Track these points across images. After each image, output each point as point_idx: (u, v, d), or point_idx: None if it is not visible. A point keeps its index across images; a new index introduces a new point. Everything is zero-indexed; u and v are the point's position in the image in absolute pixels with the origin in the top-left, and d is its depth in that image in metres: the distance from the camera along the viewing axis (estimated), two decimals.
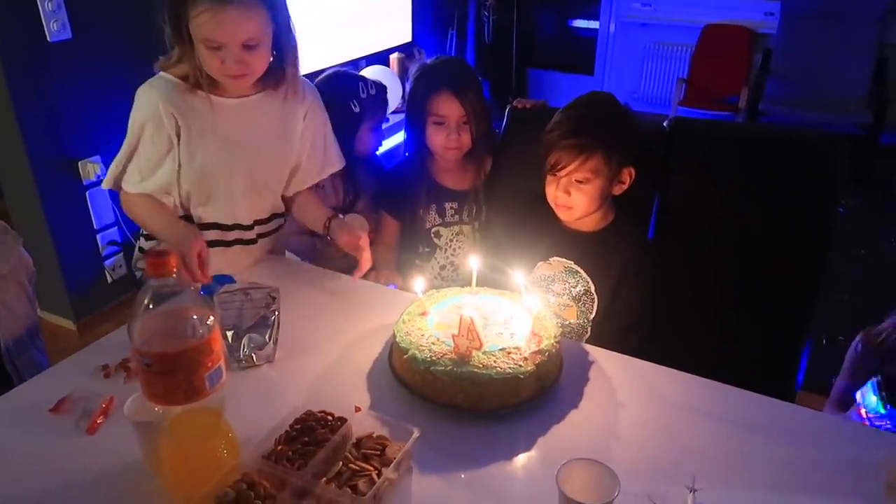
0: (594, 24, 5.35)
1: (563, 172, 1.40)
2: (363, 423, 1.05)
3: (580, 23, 5.50)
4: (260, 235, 1.60)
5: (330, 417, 1.06)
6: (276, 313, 1.24)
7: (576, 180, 1.40)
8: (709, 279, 1.55)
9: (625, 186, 1.45)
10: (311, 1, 3.57)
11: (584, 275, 1.46)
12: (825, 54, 4.35)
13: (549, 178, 1.45)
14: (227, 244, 1.56)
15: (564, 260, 1.48)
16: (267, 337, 1.24)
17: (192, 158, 1.43)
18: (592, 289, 1.45)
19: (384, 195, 1.78)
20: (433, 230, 1.75)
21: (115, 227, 2.88)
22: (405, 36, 4.27)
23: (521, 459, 1.05)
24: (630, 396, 1.17)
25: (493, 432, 1.08)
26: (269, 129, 1.49)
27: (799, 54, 4.40)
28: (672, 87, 4.84)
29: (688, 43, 4.82)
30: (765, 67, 4.50)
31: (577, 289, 1.46)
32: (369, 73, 3.50)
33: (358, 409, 1.07)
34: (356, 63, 3.95)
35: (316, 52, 3.66)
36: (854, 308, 2.86)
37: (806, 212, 1.47)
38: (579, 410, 1.14)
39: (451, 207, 1.74)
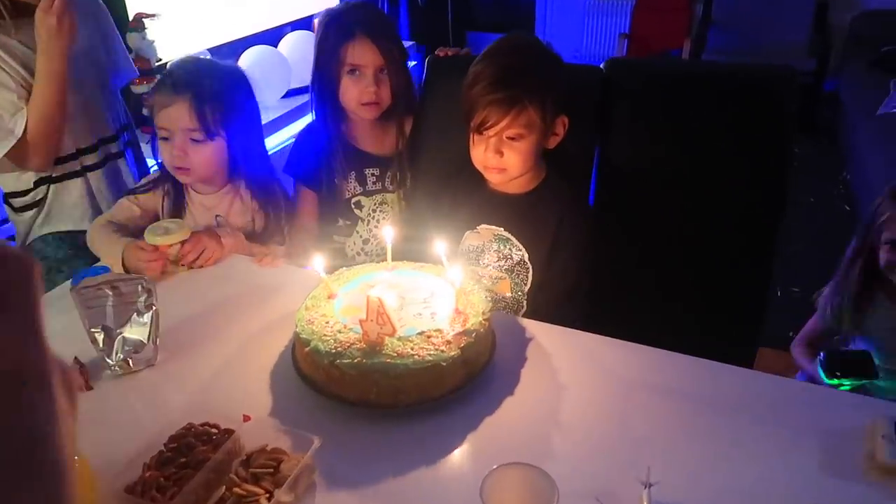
0: None
1: (492, 131, 1.22)
2: (255, 435, 0.87)
3: None
4: None
5: (214, 430, 0.88)
6: (154, 308, 1.04)
7: (507, 137, 1.23)
8: (657, 236, 1.40)
9: (559, 138, 1.28)
10: None
11: (517, 242, 1.29)
12: (765, 2, 4.27)
13: (475, 138, 1.27)
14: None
15: (494, 227, 1.31)
16: (145, 337, 1.04)
17: None
18: (526, 257, 1.29)
19: (295, 163, 1.57)
20: (353, 200, 1.56)
21: None
22: (332, 1, 4.02)
23: (448, 461, 0.88)
24: (573, 376, 1.02)
25: (414, 431, 0.92)
26: None
27: (739, 3, 4.31)
28: (614, 42, 4.72)
29: None
30: (706, 18, 4.39)
31: (510, 259, 1.30)
32: (252, 54, 3.21)
33: (247, 418, 0.89)
34: (280, 30, 3.69)
35: (230, 21, 3.39)
36: (806, 258, 2.79)
37: (761, 154, 1.32)
38: (515, 397, 0.98)
39: (373, 174, 1.55)
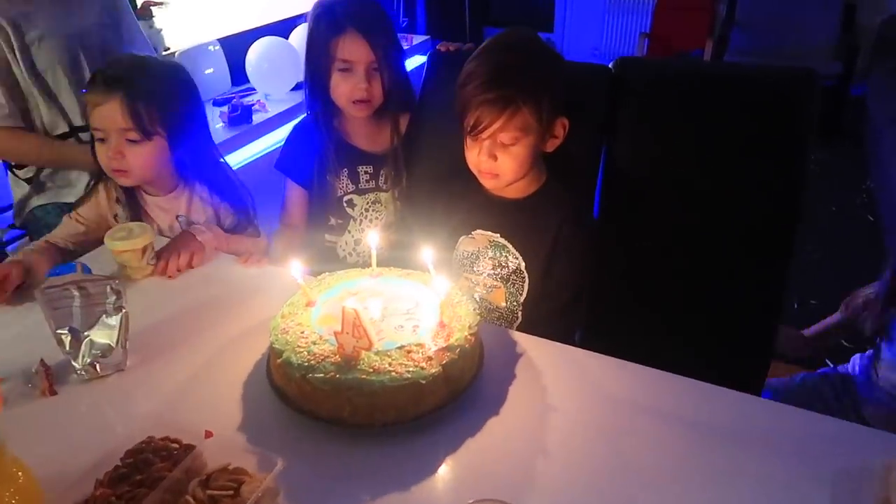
0: None
1: (485, 133, 1.15)
2: (219, 452, 0.82)
3: None
4: None
5: (175, 446, 0.83)
6: (123, 310, 0.99)
7: (501, 141, 1.15)
8: (663, 246, 1.32)
9: (558, 141, 1.20)
10: None
11: (513, 250, 1.22)
12: (791, 2, 4.14)
13: (469, 140, 1.20)
14: None
15: (489, 233, 1.24)
16: (114, 341, 0.98)
17: None
18: (523, 266, 1.22)
19: (286, 159, 1.52)
20: (346, 199, 1.50)
21: None
22: None
23: (425, 488, 0.82)
24: (565, 396, 0.95)
25: (390, 453, 0.86)
26: None
27: (764, 3, 4.19)
28: (635, 41, 4.62)
29: None
30: (729, 18, 4.27)
31: (506, 267, 1.23)
32: (262, 45, 3.15)
33: (209, 434, 0.83)
34: (291, 21, 3.65)
35: (241, 12, 3.36)
36: (826, 269, 2.69)
37: (776, 162, 1.24)
38: (500, 418, 0.91)
39: (366, 172, 1.49)
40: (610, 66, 1.34)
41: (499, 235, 1.23)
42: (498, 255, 1.23)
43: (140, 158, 1.32)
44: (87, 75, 1.60)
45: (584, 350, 1.04)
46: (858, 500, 0.78)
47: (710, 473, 0.83)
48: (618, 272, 1.27)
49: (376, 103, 1.42)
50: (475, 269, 1.25)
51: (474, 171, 1.22)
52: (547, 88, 1.14)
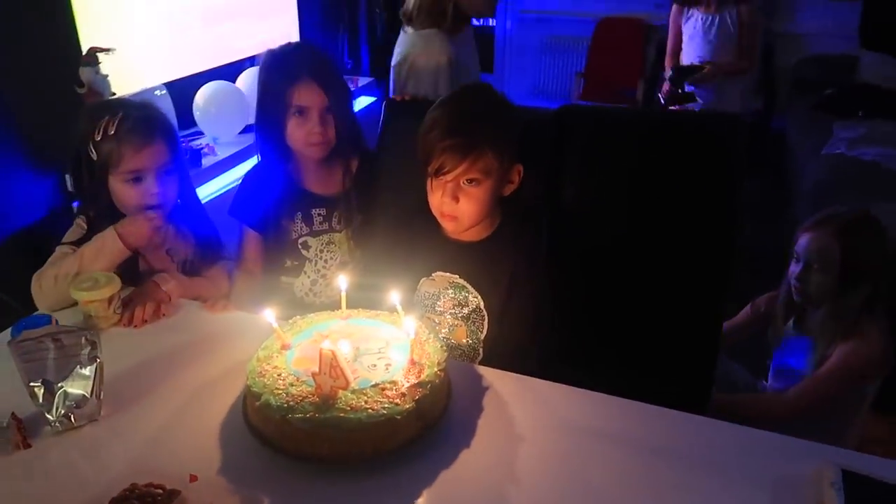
0: (491, 22, 5.28)
1: (449, 176, 1.22)
2: (203, 496, 0.85)
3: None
4: None
5: (159, 492, 0.85)
6: (98, 360, 1.01)
7: (464, 183, 1.23)
8: (612, 282, 1.41)
9: (514, 186, 1.29)
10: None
11: (472, 290, 1.29)
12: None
13: (432, 183, 1.27)
14: None
15: (449, 275, 1.31)
16: (88, 391, 1.00)
17: None
18: (482, 305, 1.29)
19: (241, 205, 1.56)
20: (300, 241, 1.55)
21: None
22: (292, 36, 4.02)
23: None
24: (530, 426, 1.01)
25: (368, 489, 0.90)
26: None
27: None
28: (571, 81, 4.82)
29: (584, 36, 4.80)
30: (659, 59, 4.52)
31: (466, 306, 1.29)
32: (210, 89, 3.19)
33: (194, 478, 0.86)
34: (239, 65, 3.68)
35: (188, 56, 3.37)
36: (752, 296, 2.85)
37: (709, 199, 1.35)
38: (472, 450, 0.97)
39: (319, 214, 1.54)
40: (554, 112, 1.44)
41: (458, 276, 1.30)
42: (458, 294, 1.30)
43: (173, 191, 1.45)
44: None
45: (545, 381, 1.11)
46: None
47: (663, 490, 0.90)
48: (570, 307, 1.34)
49: (331, 144, 1.49)
50: (436, 308, 1.31)
51: (436, 214, 1.29)
52: (507, 134, 1.23)
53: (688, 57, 3.48)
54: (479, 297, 1.28)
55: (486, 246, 1.31)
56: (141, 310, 1.27)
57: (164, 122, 1.44)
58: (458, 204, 1.23)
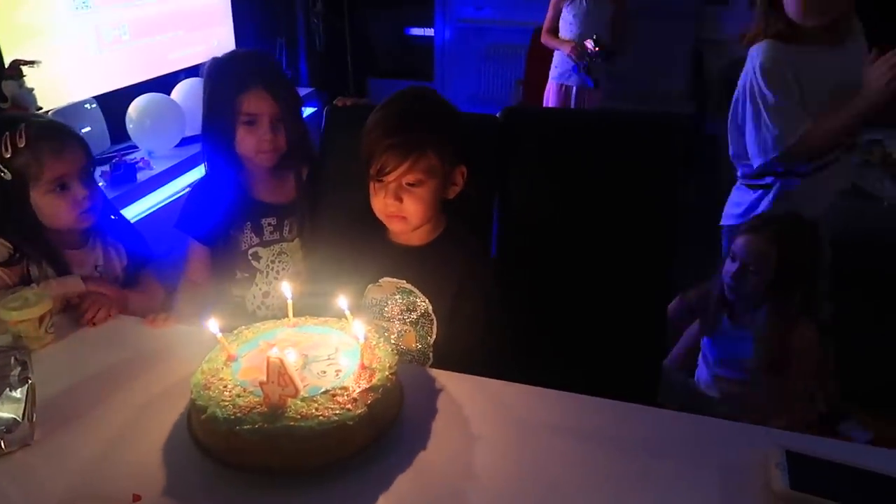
0: (430, 32, 5.32)
1: (391, 176, 1.21)
2: None
3: (416, 31, 5.45)
4: None
5: None
6: (29, 381, 0.95)
7: (407, 183, 1.22)
8: (559, 280, 1.43)
9: (458, 188, 1.29)
10: (114, 9, 3.18)
11: (420, 294, 1.28)
12: (651, 50, 4.57)
13: (374, 186, 1.26)
14: None
15: (396, 280, 1.29)
16: (19, 415, 0.94)
17: None
18: (430, 309, 1.28)
19: (188, 218, 1.51)
20: (251, 252, 1.51)
21: None
22: (227, 45, 3.95)
23: None
24: (485, 425, 1.01)
25: (321, 498, 0.88)
26: None
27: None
28: (511, 88, 4.89)
29: (522, 44, 4.87)
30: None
31: (415, 311, 1.28)
32: (144, 101, 3.10)
33: (137, 498, 0.82)
34: (174, 76, 3.59)
35: (121, 68, 3.27)
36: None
37: (650, 197, 1.39)
38: (428, 452, 0.95)
39: (269, 224, 1.51)
40: (497, 115, 1.46)
41: (405, 281, 1.29)
42: (405, 299, 1.28)
43: (100, 194, 1.41)
44: None
45: (498, 380, 1.11)
46: (744, 488, 0.89)
47: (618, 480, 0.91)
48: (519, 306, 1.35)
49: (281, 152, 1.46)
50: (384, 314, 1.30)
51: (381, 217, 1.27)
52: (449, 134, 1.23)
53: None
54: (428, 301, 1.27)
55: (433, 249, 1.30)
56: (94, 309, 1.26)
57: (67, 125, 1.40)
58: (402, 204, 1.22)
